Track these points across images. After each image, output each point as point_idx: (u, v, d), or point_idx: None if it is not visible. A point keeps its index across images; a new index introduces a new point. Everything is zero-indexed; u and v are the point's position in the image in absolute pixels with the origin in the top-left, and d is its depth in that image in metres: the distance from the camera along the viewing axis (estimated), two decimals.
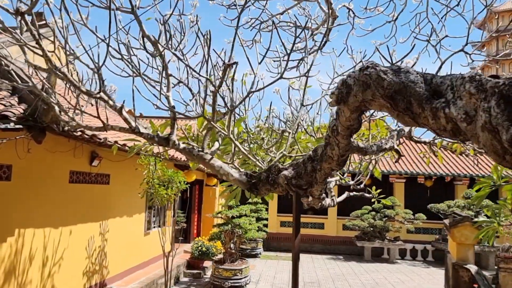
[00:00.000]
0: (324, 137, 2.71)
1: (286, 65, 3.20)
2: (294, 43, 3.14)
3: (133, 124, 3.62)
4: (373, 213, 15.74)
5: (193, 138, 4.53)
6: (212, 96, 3.54)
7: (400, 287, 10.82)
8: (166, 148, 4.53)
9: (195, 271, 10.83)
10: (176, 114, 3.78)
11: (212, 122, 3.66)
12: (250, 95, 3.57)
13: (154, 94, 3.68)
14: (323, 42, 3.39)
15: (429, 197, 16.85)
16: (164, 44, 3.23)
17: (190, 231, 14.54)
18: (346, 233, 17.33)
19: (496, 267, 9.31)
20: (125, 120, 3.56)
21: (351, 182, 4.93)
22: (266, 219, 15.85)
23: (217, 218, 16.57)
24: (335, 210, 17.81)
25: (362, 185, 5.13)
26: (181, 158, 9.73)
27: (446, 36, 3.63)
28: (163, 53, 3.38)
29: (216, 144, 3.79)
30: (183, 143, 3.90)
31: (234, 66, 3.24)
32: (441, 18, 3.33)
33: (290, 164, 3.45)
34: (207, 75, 3.32)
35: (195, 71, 3.31)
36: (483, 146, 1.58)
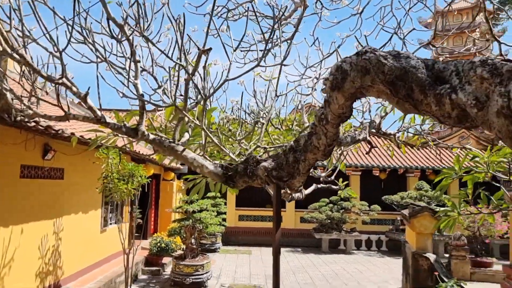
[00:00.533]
0: (310, 126, 2.60)
1: (264, 53, 3.08)
2: (273, 31, 3.03)
3: (99, 113, 3.36)
4: (331, 205, 16.02)
5: (161, 129, 4.31)
6: (185, 84, 3.36)
7: (358, 277, 11.06)
8: (133, 140, 4.27)
9: (154, 268, 10.51)
10: (145, 103, 3.55)
11: (184, 112, 3.47)
12: (225, 84, 3.42)
13: (121, 82, 3.44)
14: (294, 32, 3.30)
15: (383, 189, 17.39)
16: (132, 27, 2.99)
17: (147, 227, 14.12)
18: (304, 226, 17.54)
19: (447, 254, 9.71)
20: (90, 108, 3.29)
21: (323, 174, 4.89)
22: (225, 213, 15.71)
23: (176, 213, 16.23)
24: (293, 203, 17.95)
25: (332, 177, 5.12)
26: (139, 151, 9.36)
27: (414, 29, 3.64)
28: (130, 37, 3.14)
29: (186, 135, 3.60)
30: (153, 134, 3.69)
31: (209, 53, 3.07)
32: (408, 11, 3.31)
33: (269, 156, 3.33)
34: (180, 62, 3.12)
35: (168, 57, 3.10)
36: (497, 132, 1.52)
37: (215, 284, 9.70)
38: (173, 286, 9.28)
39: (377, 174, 17.47)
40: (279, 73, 3.98)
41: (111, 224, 9.71)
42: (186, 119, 4.12)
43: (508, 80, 1.51)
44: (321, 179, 5.08)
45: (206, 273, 9.41)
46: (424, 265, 7.10)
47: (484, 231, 10.86)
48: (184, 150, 3.47)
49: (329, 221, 15.84)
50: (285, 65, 3.69)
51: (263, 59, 3.29)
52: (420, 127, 4.69)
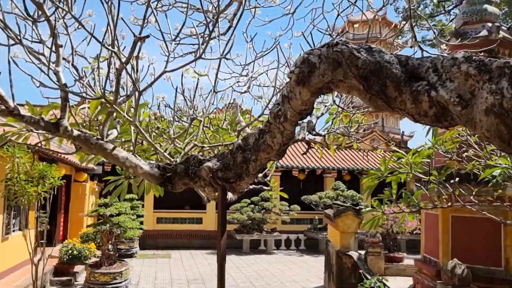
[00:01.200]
0: (263, 124, 2.41)
1: (206, 45, 2.86)
2: (216, 23, 2.82)
3: (11, 103, 2.86)
4: (252, 206, 16.06)
5: (84, 125, 3.86)
6: (116, 75, 2.99)
7: (281, 277, 11.16)
8: (49, 137, 3.76)
9: (64, 278, 9.60)
10: (68, 94, 3.12)
11: (114, 106, 3.10)
12: (161, 76, 3.13)
13: (41, 69, 3.00)
14: (228, 28, 3.12)
15: (302, 189, 17.87)
16: (56, 4, 2.58)
17: (56, 233, 12.93)
18: None
19: (362, 251, 10.13)
20: (1, 98, 2.79)
21: (260, 175, 4.74)
22: (143, 216, 14.99)
23: (89, 218, 15.10)
24: (213, 204, 17.71)
25: (268, 178, 4.99)
26: (51, 151, 8.47)
27: (347, 31, 3.63)
28: (51, 18, 2.72)
29: (115, 132, 3.22)
30: (77, 130, 3.25)
31: (144, 41, 2.77)
32: (339, 14, 3.31)
33: (214, 155, 3.09)
34: (112, 48, 2.76)
35: (99, 41, 2.73)
36: (485, 131, 1.45)
37: None
38: None
39: (296, 175, 17.91)
40: (218, 68, 3.75)
41: (14, 231, 8.68)
42: (114, 114, 3.72)
43: (499, 77, 1.44)
44: (255, 179, 4.93)
45: (125, 280, 8.81)
46: (348, 263, 7.31)
47: (396, 228, 11.59)
48: (114, 148, 3.09)
49: (250, 221, 15.87)
50: (227, 59, 3.48)
51: (204, 52, 3.07)
52: (347, 129, 4.74)
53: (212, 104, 4.08)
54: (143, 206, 15.25)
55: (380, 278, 6.61)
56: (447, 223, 7.88)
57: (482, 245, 7.49)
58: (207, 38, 2.85)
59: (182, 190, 3.15)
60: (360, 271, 6.72)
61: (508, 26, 8.43)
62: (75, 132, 3.09)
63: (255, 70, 4.32)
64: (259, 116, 4.20)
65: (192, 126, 4.22)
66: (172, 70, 3.18)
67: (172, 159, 3.92)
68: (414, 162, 4.22)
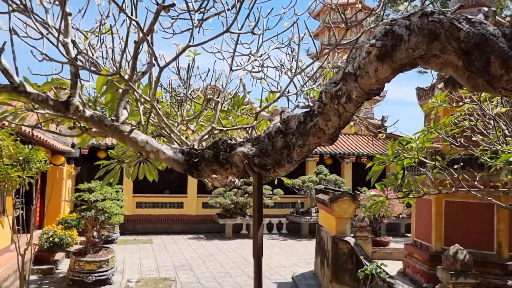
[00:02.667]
0: (315, 104, 2.14)
1: (234, 19, 2.61)
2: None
3: (17, 79, 2.51)
4: (235, 190, 15.84)
5: (89, 104, 3.51)
6: (135, 48, 2.69)
7: (269, 262, 11.06)
8: (53, 117, 3.40)
9: (45, 267, 9.18)
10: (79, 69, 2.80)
11: (130, 83, 2.79)
12: (186, 50, 2.85)
13: (50, 41, 2.68)
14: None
15: None
16: None
17: (32, 220, 12.33)
18: (206, 211, 17.14)
19: (352, 235, 10.10)
20: (5, 72, 2.43)
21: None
22: (122, 200, 14.53)
23: (67, 203, 14.53)
24: (195, 188, 17.43)
25: None
26: (28, 132, 7.93)
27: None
28: None
29: (125, 113, 2.89)
30: (90, 109, 2.92)
31: (168, 10, 2.49)
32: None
33: (246, 139, 2.81)
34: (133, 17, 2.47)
35: (121, 9, 2.42)
36: None
37: (120, 280, 8.81)
38: (72, 286, 8.17)
39: None
40: (236, 44, 3.46)
41: None
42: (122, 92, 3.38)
43: None
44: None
45: (111, 268, 8.47)
46: (344, 248, 7.23)
47: (382, 212, 11.64)
48: (132, 131, 2.77)
49: (233, 206, 15.68)
50: (254, 33, 3.23)
51: (232, 25, 2.79)
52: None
53: (229, 83, 3.80)
54: (122, 190, 14.78)
55: (380, 263, 6.56)
56: (441, 208, 7.90)
57: (475, 229, 7.56)
58: (235, 11, 2.58)
59: (209, 177, 2.89)
60: (361, 257, 6.64)
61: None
62: (88, 113, 2.76)
63: (261, 51, 4.03)
64: (277, 99, 3.94)
65: (206, 108, 3.93)
66: (197, 45, 2.88)
67: (188, 143, 3.63)
68: (420, 146, 4.07)
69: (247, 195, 15.90)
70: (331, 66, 3.84)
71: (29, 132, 7.92)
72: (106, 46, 3.05)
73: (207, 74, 4.57)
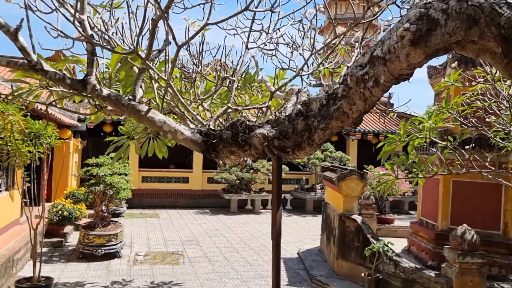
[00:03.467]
0: (340, 88, 2.10)
1: None
2: None
3: (34, 57, 2.48)
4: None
5: (104, 82, 3.49)
6: (152, 25, 2.65)
7: None
8: (68, 95, 3.38)
9: (55, 240, 9.33)
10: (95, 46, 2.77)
11: (147, 62, 2.76)
12: (204, 28, 2.80)
13: (67, 19, 2.64)
14: None
15: None
16: None
17: (40, 193, 12.46)
18: (211, 186, 17.26)
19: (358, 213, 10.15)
20: (23, 50, 2.41)
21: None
22: (128, 175, 14.63)
23: (74, 177, 14.65)
24: (200, 163, 17.50)
25: None
26: (36, 106, 7.91)
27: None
28: None
29: (140, 92, 2.86)
30: (107, 88, 2.91)
31: None
32: None
33: (266, 121, 2.79)
34: None
35: None
36: None
37: (129, 254, 8.96)
38: (82, 259, 8.32)
39: None
40: (252, 22, 3.39)
41: (1, 191, 8.26)
42: (136, 70, 3.34)
43: None
44: None
45: (120, 242, 8.61)
46: (351, 226, 7.28)
47: (389, 190, 11.67)
48: (149, 110, 2.76)
49: (238, 181, 15.77)
50: (273, 12, 3.20)
51: (251, 3, 2.76)
52: None
53: (244, 61, 3.75)
54: (128, 165, 14.86)
55: (387, 242, 6.62)
56: (448, 188, 7.90)
57: (481, 209, 7.58)
58: None
59: (228, 158, 2.88)
60: (368, 235, 6.69)
61: None
62: (105, 92, 2.74)
63: (272, 27, 3.95)
64: (293, 78, 3.89)
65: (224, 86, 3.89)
66: (216, 23, 2.84)
67: (204, 123, 3.61)
68: (433, 126, 4.03)
69: (252, 171, 15.97)
70: (344, 43, 3.76)
71: (37, 106, 7.89)
72: (115, 22, 3.00)
73: (217, 50, 4.50)
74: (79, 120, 15.36)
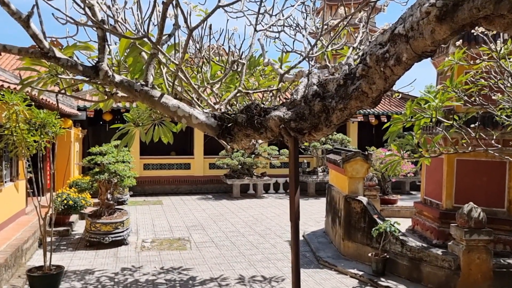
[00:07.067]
0: (359, 67, 2.08)
1: None
2: None
3: (46, 44, 2.47)
4: (242, 151, 15.90)
5: (113, 67, 3.47)
6: (163, 9, 2.63)
7: (278, 221, 11.28)
8: (78, 83, 3.36)
9: (61, 229, 9.38)
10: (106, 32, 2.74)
11: (158, 47, 2.74)
12: (215, 10, 2.77)
13: (77, 3, 2.61)
14: None
15: None
16: None
17: (43, 183, 12.48)
18: (213, 172, 17.30)
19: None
20: (35, 37, 2.39)
21: None
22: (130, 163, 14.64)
23: (76, 166, 14.64)
24: (201, 150, 17.50)
25: None
26: (34, 95, 7.84)
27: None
28: None
29: (150, 78, 2.85)
30: (119, 75, 2.90)
31: None
32: None
33: (281, 103, 2.78)
34: None
35: None
36: None
37: (135, 241, 9.02)
38: (89, 247, 8.38)
39: None
40: (260, 4, 3.39)
41: (6, 182, 8.26)
42: (145, 55, 3.34)
43: None
44: None
45: (126, 229, 8.66)
46: (357, 207, 7.33)
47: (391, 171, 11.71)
48: (162, 95, 2.76)
49: (240, 166, 15.80)
50: None
51: None
52: None
53: (254, 44, 3.72)
54: (129, 152, 14.85)
55: (393, 222, 6.67)
56: (452, 167, 7.93)
57: (486, 187, 7.62)
58: None
59: (242, 141, 2.88)
60: (375, 216, 6.74)
61: None
62: (117, 78, 2.73)
63: (276, 10, 3.92)
64: (302, 60, 3.86)
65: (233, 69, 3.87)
66: (228, 5, 2.81)
67: (215, 107, 3.59)
68: (440, 106, 4.02)
69: (254, 155, 15.98)
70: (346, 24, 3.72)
71: (34, 95, 7.83)
72: (123, 7, 2.96)
73: (220, 35, 4.45)
74: (79, 109, 15.30)
